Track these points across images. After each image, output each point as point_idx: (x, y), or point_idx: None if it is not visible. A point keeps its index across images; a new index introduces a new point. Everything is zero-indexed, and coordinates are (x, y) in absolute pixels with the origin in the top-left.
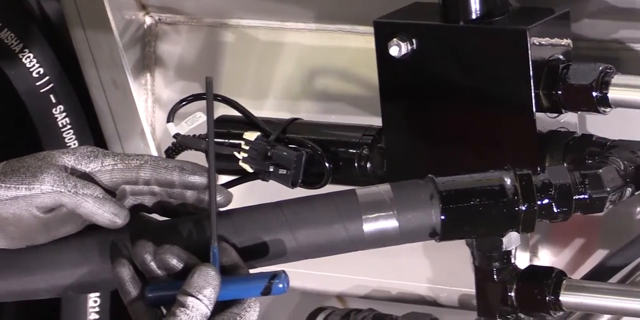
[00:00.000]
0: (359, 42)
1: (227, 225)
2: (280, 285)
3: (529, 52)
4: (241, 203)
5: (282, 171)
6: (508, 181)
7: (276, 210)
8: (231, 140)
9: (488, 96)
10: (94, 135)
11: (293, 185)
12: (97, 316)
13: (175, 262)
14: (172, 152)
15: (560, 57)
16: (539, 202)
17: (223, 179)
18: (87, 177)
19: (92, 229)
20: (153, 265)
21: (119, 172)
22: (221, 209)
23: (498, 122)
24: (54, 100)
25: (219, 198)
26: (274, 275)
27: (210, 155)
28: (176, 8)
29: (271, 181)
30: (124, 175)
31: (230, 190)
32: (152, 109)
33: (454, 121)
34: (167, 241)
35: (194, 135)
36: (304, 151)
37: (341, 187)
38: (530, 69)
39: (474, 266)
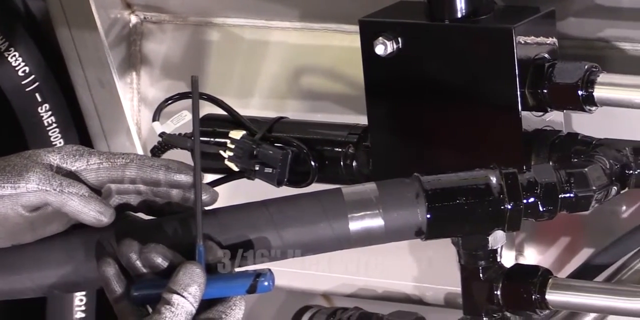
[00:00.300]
0: (344, 41)
1: (213, 223)
2: (266, 284)
3: (515, 50)
4: (227, 202)
5: (268, 170)
6: (494, 180)
7: (262, 209)
8: (217, 139)
9: (474, 95)
10: (79, 134)
11: (279, 184)
12: (83, 315)
13: (161, 261)
14: (157, 150)
15: (546, 55)
16: (524, 201)
17: (209, 177)
18: (73, 176)
19: (77, 228)
20: (138, 263)
21: (105, 170)
22: (207, 208)
23: (484, 120)
24: (39, 99)
25: (204, 197)
26: (259, 274)
27: (196, 154)
28: (161, 7)
29: (257, 180)
30: (109, 173)
31: (216, 189)
32: (138, 108)
33: (440, 120)
34: (153, 240)
35: (180, 134)
36: (289, 150)
37: (327, 186)
38: (516, 67)
39: (460, 265)
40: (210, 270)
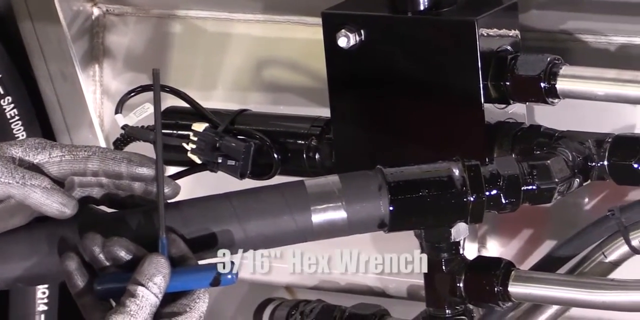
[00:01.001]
0: (307, 33)
1: (176, 216)
2: (229, 276)
3: (477, 43)
4: (190, 194)
5: (231, 162)
6: (456, 172)
7: (225, 201)
8: (179, 132)
9: (436, 87)
10: (42, 126)
11: (242, 176)
12: (45, 307)
13: (124, 254)
14: (120, 143)
15: (509, 48)
16: (487, 193)
17: (171, 170)
18: (35, 169)
19: (40, 221)
20: (102, 257)
21: (67, 163)
22: (170, 201)
23: (446, 113)
24: (1, 92)
25: (166, 190)
26: (223, 266)
27: (157, 147)
28: None
29: (220, 172)
30: (71, 166)
31: (179, 181)
32: (101, 101)
33: (403, 112)
34: (116, 233)
35: (142, 127)
36: (252, 142)
37: (290, 178)
38: (479, 60)
39: None
40: (174, 263)
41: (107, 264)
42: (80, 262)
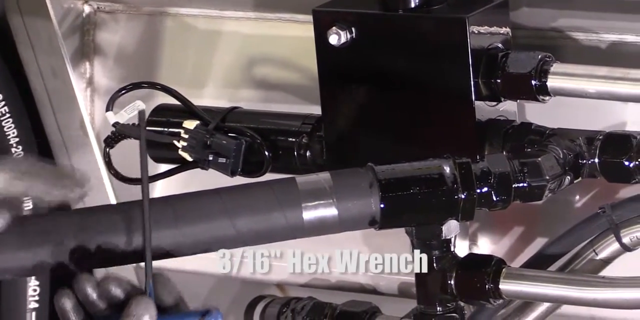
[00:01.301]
0: (298, 30)
1: (166, 211)
2: None
3: (468, 40)
4: (181, 191)
5: (222, 160)
6: (447, 169)
7: (215, 197)
8: (170, 129)
9: (427, 85)
10: (33, 124)
11: (233, 173)
12: (36, 305)
13: (119, 293)
14: (111, 141)
15: (500, 45)
16: (478, 191)
17: (162, 167)
18: None
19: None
20: (95, 300)
21: None
22: (159, 195)
23: (437, 110)
24: None
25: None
26: (206, 313)
27: (143, 179)
28: None
29: (211, 170)
30: None
31: (170, 178)
32: (91, 98)
33: (394, 110)
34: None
35: (133, 124)
36: (243, 140)
37: (281, 176)
38: (470, 57)
39: None
40: (163, 306)
41: (102, 306)
42: (76, 301)
